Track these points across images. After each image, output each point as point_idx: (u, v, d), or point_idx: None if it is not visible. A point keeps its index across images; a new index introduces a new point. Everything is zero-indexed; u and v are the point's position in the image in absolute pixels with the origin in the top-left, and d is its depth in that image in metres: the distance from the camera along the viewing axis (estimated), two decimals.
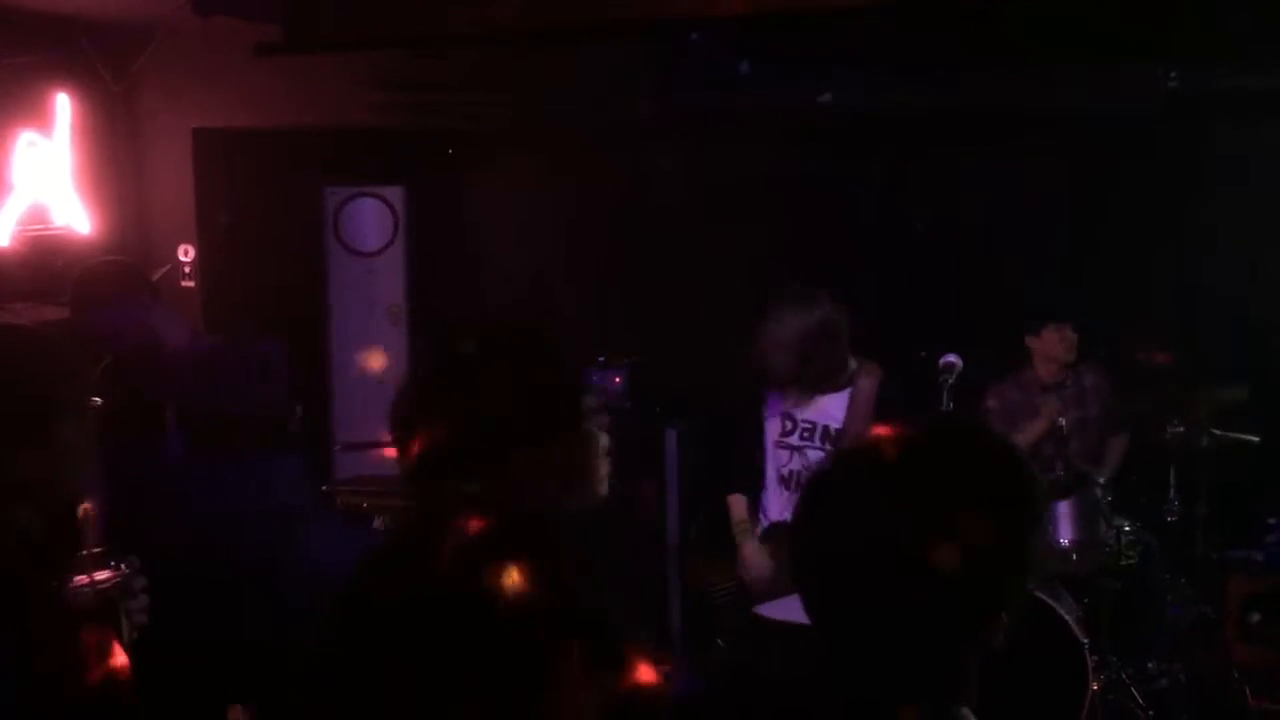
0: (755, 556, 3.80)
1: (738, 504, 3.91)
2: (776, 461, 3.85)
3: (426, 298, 5.67)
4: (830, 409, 3.78)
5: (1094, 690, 3.99)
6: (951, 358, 3.68)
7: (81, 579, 2.17)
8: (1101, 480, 4.39)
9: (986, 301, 5.04)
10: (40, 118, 5.14)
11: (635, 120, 5.26)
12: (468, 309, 5.62)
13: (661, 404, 5.13)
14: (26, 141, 5.07)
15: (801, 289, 3.77)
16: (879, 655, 1.30)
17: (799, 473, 3.78)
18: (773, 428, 3.86)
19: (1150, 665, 4.39)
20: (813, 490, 1.37)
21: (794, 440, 3.82)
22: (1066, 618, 4.00)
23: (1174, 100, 4.65)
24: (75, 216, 5.29)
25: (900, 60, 4.86)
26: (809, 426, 3.81)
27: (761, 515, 3.91)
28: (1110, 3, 4.37)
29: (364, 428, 5.50)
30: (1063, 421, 4.48)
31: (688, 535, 5.00)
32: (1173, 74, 4.56)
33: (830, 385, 3.76)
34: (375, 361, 2.58)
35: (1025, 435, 4.46)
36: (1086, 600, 4.30)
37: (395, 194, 5.60)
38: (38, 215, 5.12)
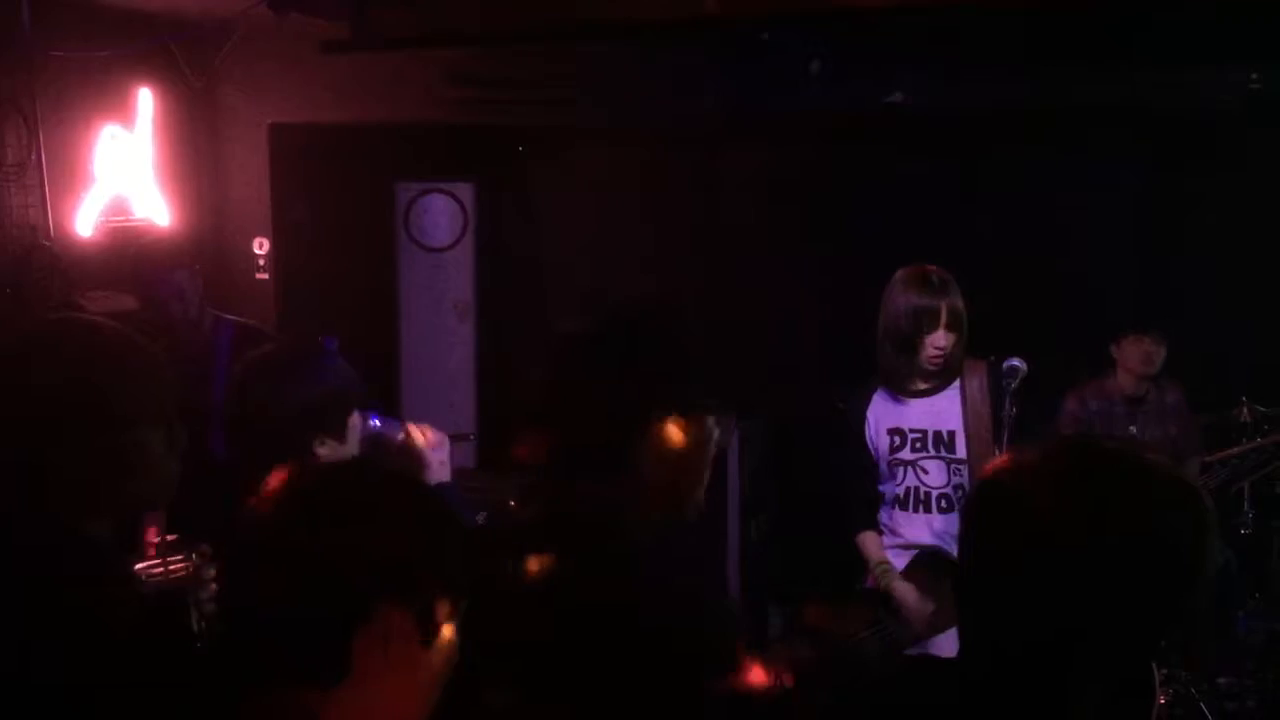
0: (912, 595, 3.41)
1: (871, 543, 3.56)
2: (892, 480, 3.53)
3: (493, 294, 5.72)
4: (936, 413, 3.49)
5: (1161, 704, 3.90)
6: (1016, 361, 3.57)
7: (155, 565, 2.18)
8: None
9: (1060, 306, 4.95)
10: (123, 111, 5.28)
11: (703, 118, 5.25)
12: (534, 305, 5.66)
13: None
14: (110, 135, 5.20)
15: (935, 268, 3.44)
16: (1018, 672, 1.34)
17: (917, 489, 3.47)
18: (880, 443, 3.55)
19: (1221, 681, 4.30)
20: (971, 507, 1.46)
21: (906, 454, 3.49)
22: None
23: (1255, 102, 4.54)
24: (155, 208, 5.42)
25: (971, 59, 4.79)
26: (919, 436, 3.48)
27: (887, 536, 3.57)
28: (1190, 2, 4.27)
29: (432, 422, 5.57)
30: (1134, 430, 4.40)
31: (748, 539, 4.99)
32: (1254, 75, 4.45)
33: (939, 384, 3.50)
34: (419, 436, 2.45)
35: None
36: None
37: (465, 190, 5.65)
38: (119, 207, 5.26)
